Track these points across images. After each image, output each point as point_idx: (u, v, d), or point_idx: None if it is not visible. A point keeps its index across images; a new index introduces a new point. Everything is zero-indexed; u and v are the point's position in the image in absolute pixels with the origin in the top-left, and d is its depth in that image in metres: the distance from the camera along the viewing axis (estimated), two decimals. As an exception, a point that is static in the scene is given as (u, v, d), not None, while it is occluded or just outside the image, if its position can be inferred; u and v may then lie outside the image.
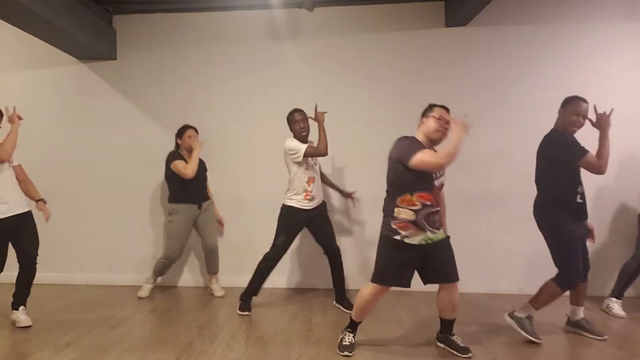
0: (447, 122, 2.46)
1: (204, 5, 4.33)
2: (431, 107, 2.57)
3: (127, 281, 4.31)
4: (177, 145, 3.92)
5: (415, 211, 2.45)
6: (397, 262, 2.53)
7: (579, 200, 2.84)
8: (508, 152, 4.14)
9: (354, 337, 2.70)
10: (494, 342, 2.83)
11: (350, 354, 2.59)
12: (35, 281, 3.16)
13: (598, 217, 3.93)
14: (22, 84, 4.43)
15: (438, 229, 2.55)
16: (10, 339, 2.86)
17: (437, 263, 2.56)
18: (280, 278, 4.20)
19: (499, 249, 4.13)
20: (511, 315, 2.93)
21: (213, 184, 4.18)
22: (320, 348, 2.70)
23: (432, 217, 2.49)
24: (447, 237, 2.61)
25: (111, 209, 4.40)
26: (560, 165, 2.82)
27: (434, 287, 2.62)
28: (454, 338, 2.67)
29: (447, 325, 2.70)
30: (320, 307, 3.60)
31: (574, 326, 3.00)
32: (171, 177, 3.83)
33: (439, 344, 2.74)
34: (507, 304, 3.63)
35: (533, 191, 4.09)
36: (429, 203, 2.46)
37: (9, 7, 3.25)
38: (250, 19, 4.36)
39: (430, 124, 2.50)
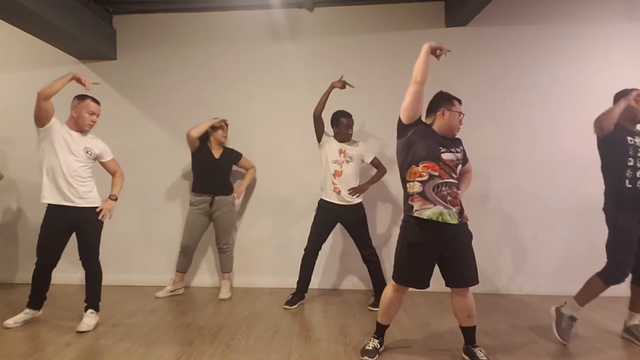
0: None
1: (204, 5, 4.33)
2: None
3: (127, 281, 4.32)
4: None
5: (422, 182, 2.36)
6: (412, 255, 2.39)
7: (628, 185, 2.65)
8: (509, 152, 4.14)
9: (379, 342, 2.60)
10: (495, 342, 2.82)
11: (370, 359, 2.50)
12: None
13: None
14: (22, 84, 4.42)
15: (453, 206, 2.35)
16: (10, 339, 2.86)
17: (452, 260, 2.40)
18: (280, 278, 4.20)
19: (499, 249, 4.13)
20: (557, 309, 2.84)
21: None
22: (320, 348, 2.70)
23: (441, 189, 2.34)
24: (464, 226, 2.43)
25: (111, 209, 4.39)
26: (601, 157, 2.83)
27: (433, 287, 2.58)
28: (476, 350, 2.46)
29: (466, 334, 2.54)
30: (321, 307, 3.60)
31: (627, 332, 2.87)
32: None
33: (464, 356, 2.53)
34: (507, 304, 3.64)
35: (534, 190, 4.11)
36: (436, 174, 2.34)
37: (9, 7, 3.25)
38: (250, 19, 4.37)
39: None
